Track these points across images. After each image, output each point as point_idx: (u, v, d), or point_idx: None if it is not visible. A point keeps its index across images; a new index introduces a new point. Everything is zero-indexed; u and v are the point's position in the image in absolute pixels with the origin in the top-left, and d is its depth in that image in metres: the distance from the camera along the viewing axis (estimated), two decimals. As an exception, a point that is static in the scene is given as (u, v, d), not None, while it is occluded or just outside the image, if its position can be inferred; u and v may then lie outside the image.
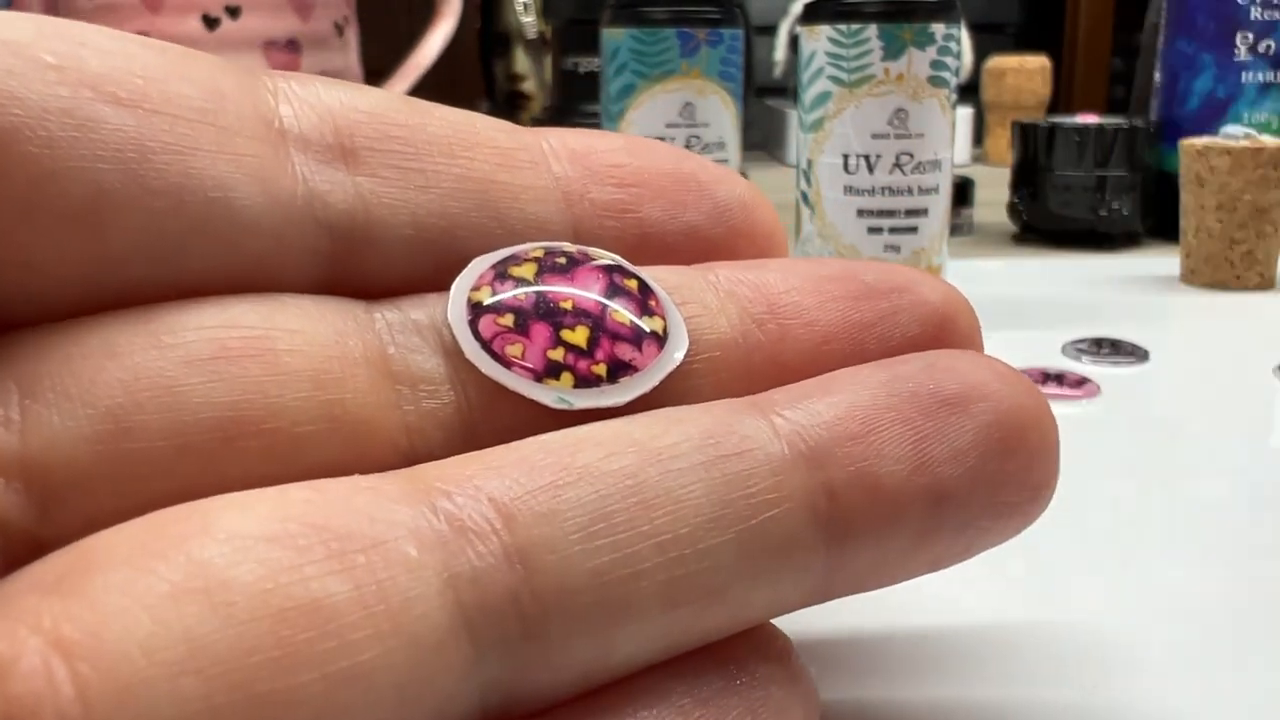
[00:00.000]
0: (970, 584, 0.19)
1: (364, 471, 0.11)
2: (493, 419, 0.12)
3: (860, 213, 0.37)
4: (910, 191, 0.37)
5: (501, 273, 0.13)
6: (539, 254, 0.13)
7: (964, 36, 0.57)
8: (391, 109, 0.13)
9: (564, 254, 0.13)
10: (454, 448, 0.12)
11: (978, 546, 0.13)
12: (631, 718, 0.11)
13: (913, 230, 0.38)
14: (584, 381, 0.12)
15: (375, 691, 0.09)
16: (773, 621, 0.13)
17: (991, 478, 0.13)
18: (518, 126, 0.15)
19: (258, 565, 0.09)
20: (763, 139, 0.98)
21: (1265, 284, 0.44)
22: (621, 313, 0.13)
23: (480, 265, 0.13)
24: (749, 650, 0.12)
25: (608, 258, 0.14)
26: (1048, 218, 0.54)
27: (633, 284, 0.13)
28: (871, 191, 0.37)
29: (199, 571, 0.09)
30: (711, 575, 0.11)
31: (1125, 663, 0.17)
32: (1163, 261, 0.49)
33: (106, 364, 0.11)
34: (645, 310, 0.13)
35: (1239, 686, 0.17)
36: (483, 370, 0.12)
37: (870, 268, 0.15)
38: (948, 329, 0.14)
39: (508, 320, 0.13)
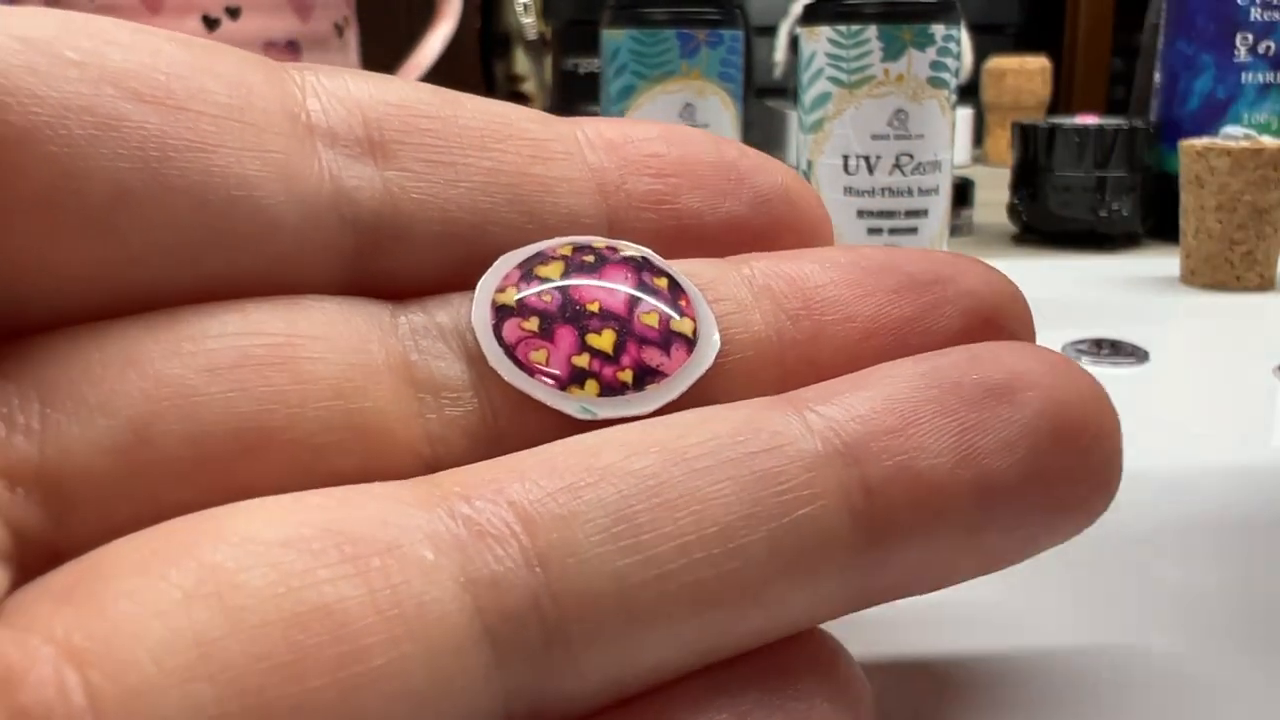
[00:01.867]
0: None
1: (386, 478, 0.11)
2: (517, 426, 0.12)
3: (860, 213, 0.37)
4: (910, 192, 0.37)
5: (527, 272, 0.13)
6: (567, 251, 0.13)
7: (964, 37, 0.57)
8: (421, 101, 0.13)
9: (592, 251, 0.13)
10: (478, 455, 0.12)
11: (1034, 547, 0.13)
12: None
13: (913, 231, 0.38)
14: (609, 389, 0.12)
15: (390, 697, 0.09)
16: (825, 628, 0.12)
17: (1044, 471, 0.12)
18: (551, 116, 0.14)
19: (270, 570, 0.09)
20: (763, 140, 0.98)
21: (1265, 285, 0.44)
22: (650, 314, 0.13)
23: (506, 264, 0.13)
24: (793, 657, 0.12)
25: (636, 251, 0.13)
26: (1048, 218, 0.54)
27: (662, 282, 0.13)
28: (871, 192, 0.37)
29: (210, 577, 0.09)
30: (743, 576, 0.11)
31: (1124, 662, 0.17)
32: (1163, 262, 0.49)
33: (127, 372, 0.11)
34: (675, 310, 0.13)
35: (1239, 687, 0.17)
36: (505, 378, 0.12)
37: (913, 256, 0.14)
38: (995, 321, 0.14)
39: (532, 324, 0.12)
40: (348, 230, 0.12)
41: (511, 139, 0.13)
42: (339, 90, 0.13)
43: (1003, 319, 0.14)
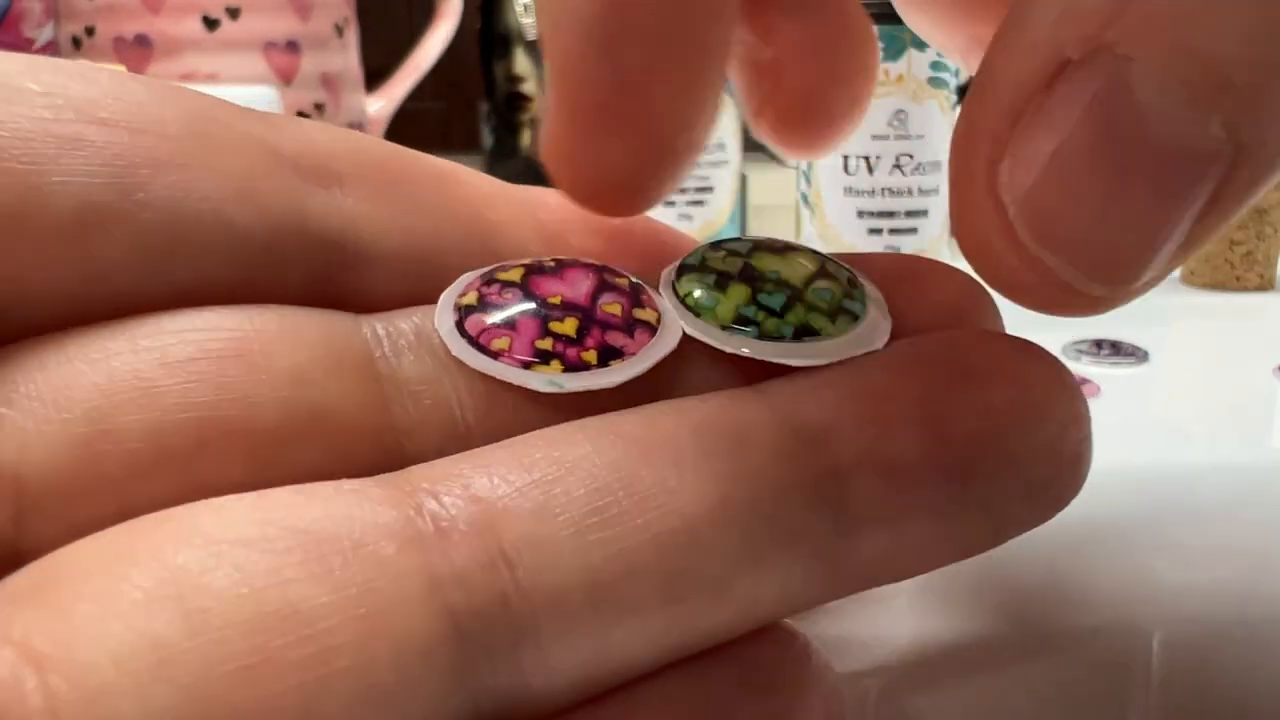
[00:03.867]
0: (965, 582, 0.19)
1: (352, 475, 0.11)
2: (486, 419, 0.12)
3: (860, 214, 0.37)
4: (910, 193, 0.37)
5: (489, 279, 0.13)
6: (527, 260, 0.13)
7: (964, 37, 0.57)
8: (380, 150, 0.14)
9: (553, 259, 0.13)
10: (446, 450, 0.12)
11: (1008, 530, 0.12)
12: None
13: (913, 231, 0.38)
14: (574, 367, 0.12)
15: (356, 700, 0.09)
16: (793, 621, 0.12)
17: (1018, 454, 0.12)
18: (503, 182, 0.15)
19: (233, 570, 0.09)
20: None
21: (1265, 285, 0.44)
22: (612, 305, 0.13)
23: (468, 277, 0.13)
24: (765, 649, 0.12)
25: (598, 264, 0.14)
26: (1048, 218, 0.54)
27: (623, 281, 0.13)
28: (871, 193, 0.37)
29: (172, 578, 0.09)
30: (713, 568, 0.11)
31: (1124, 662, 0.17)
32: (1163, 262, 0.49)
33: (83, 369, 0.11)
34: (636, 304, 0.13)
35: (1240, 686, 0.17)
36: (469, 364, 0.12)
37: (878, 261, 0.14)
38: (964, 320, 0.14)
39: (495, 317, 0.12)
40: (314, 248, 0.13)
41: (466, 186, 0.14)
42: (298, 133, 0.13)
43: (971, 318, 0.14)
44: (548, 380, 0.12)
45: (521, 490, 0.11)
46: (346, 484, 0.11)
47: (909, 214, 0.37)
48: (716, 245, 0.14)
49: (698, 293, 0.13)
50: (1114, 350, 0.35)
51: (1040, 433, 0.12)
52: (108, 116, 0.11)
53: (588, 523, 0.10)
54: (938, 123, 0.37)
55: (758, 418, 0.12)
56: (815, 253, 0.14)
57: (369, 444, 0.12)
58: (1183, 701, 0.16)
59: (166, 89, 0.12)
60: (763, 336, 0.13)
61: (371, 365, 0.12)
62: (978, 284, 0.14)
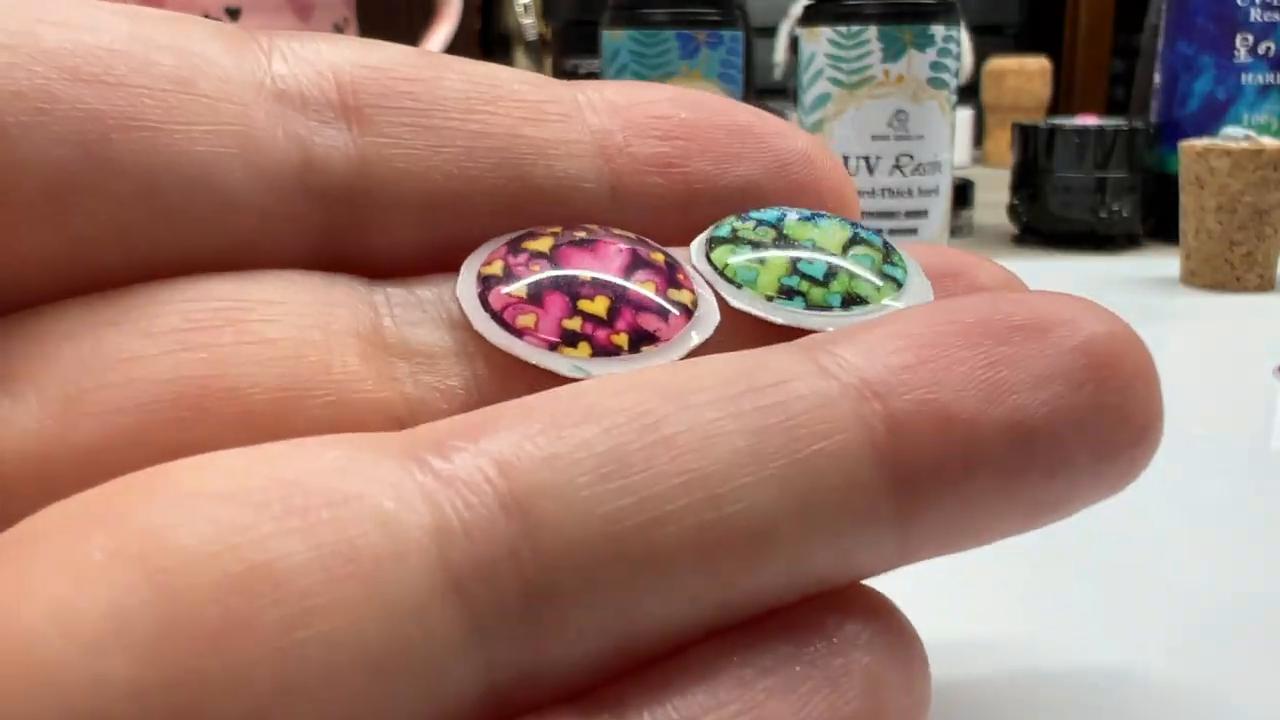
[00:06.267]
0: (962, 581, 0.19)
1: None
2: (503, 391, 0.11)
3: (860, 214, 0.38)
4: (910, 193, 0.37)
5: (515, 247, 0.12)
6: (557, 229, 0.12)
7: (964, 38, 0.57)
8: (403, 64, 0.12)
9: (584, 229, 0.13)
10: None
11: (1079, 497, 0.11)
12: (678, 692, 0.09)
13: (913, 232, 0.38)
14: (602, 351, 0.11)
15: (340, 667, 0.08)
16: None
17: (1083, 410, 0.11)
18: (549, 78, 0.13)
19: (206, 526, 0.08)
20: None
21: (1265, 285, 0.44)
22: (647, 283, 0.12)
23: (493, 244, 0.12)
24: (828, 609, 0.10)
25: (631, 234, 0.13)
26: (1048, 219, 0.54)
27: (659, 257, 0.12)
28: (871, 193, 0.37)
29: (137, 537, 0.08)
30: (752, 518, 0.09)
31: (1124, 662, 0.17)
32: (1163, 263, 0.49)
33: (62, 345, 0.10)
34: (672, 283, 0.12)
35: (1240, 686, 0.17)
36: (491, 341, 0.11)
37: (915, 252, 0.13)
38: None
39: (520, 291, 0.12)
40: (316, 206, 0.12)
41: (501, 100, 0.12)
42: (310, 54, 0.12)
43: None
44: (572, 365, 0.11)
45: (532, 437, 0.09)
46: (343, 438, 0.10)
47: (909, 214, 0.37)
48: (744, 216, 0.13)
49: (736, 262, 0.12)
50: (1114, 351, 0.35)
51: (1107, 389, 0.11)
52: (84, 70, 0.10)
53: (606, 469, 0.09)
54: (937, 123, 0.37)
55: (798, 365, 0.10)
56: (845, 220, 0.13)
57: (374, 415, 0.11)
58: (1181, 701, 0.16)
59: (156, 25, 0.11)
60: (810, 307, 0.12)
61: (380, 334, 0.11)
62: (1019, 280, 0.13)
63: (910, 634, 0.11)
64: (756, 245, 0.13)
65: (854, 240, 0.13)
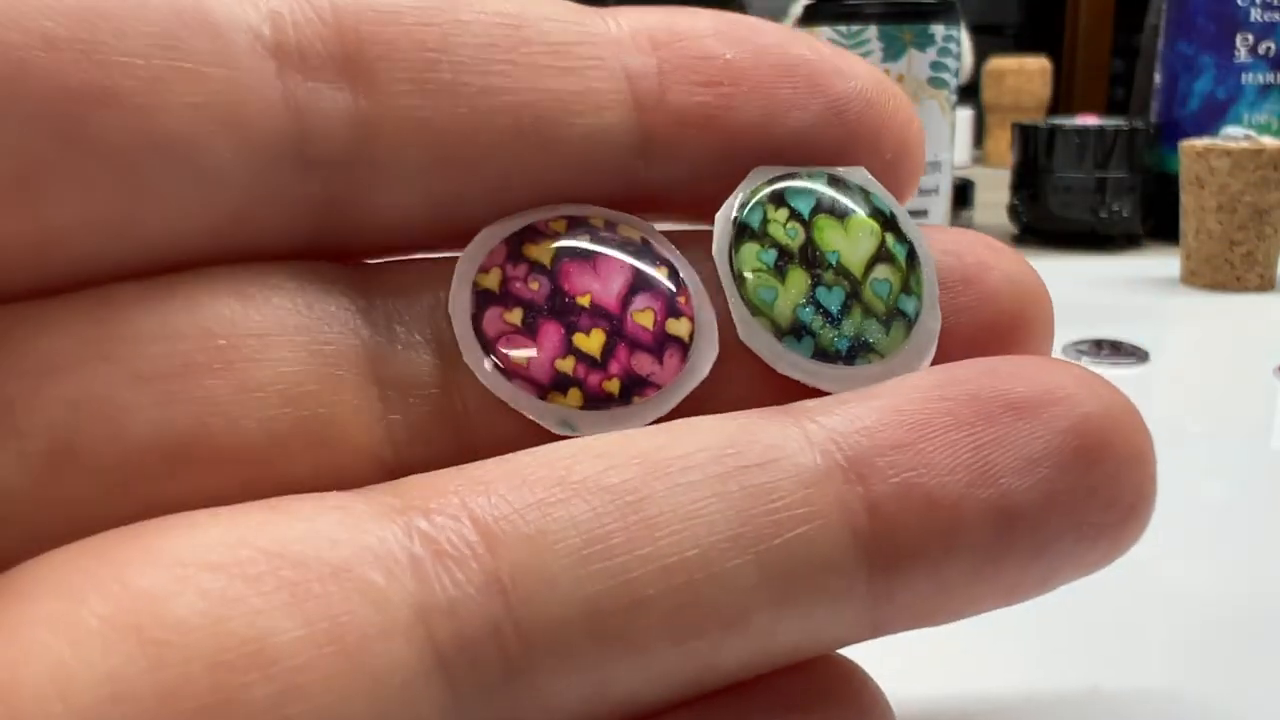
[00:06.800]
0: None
1: (342, 489, 0.10)
2: (490, 427, 0.11)
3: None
4: (910, 192, 0.38)
5: (515, 252, 0.12)
6: (560, 227, 0.12)
7: (964, 38, 0.57)
8: (416, 5, 0.11)
9: (588, 231, 0.12)
10: (446, 457, 0.11)
11: (1057, 579, 0.11)
12: None
13: (913, 231, 0.38)
14: (593, 400, 0.11)
15: None
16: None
17: (1070, 492, 0.11)
18: (583, 8, 0.12)
19: (198, 598, 0.08)
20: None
21: (1265, 285, 0.44)
22: (644, 313, 0.12)
23: (491, 239, 0.12)
24: (800, 685, 0.11)
25: (637, 231, 0.12)
26: (1048, 219, 0.54)
27: (663, 271, 0.12)
28: (872, 192, 0.37)
29: (132, 605, 0.08)
30: (727, 603, 0.10)
31: (1124, 662, 0.17)
32: (1163, 263, 0.49)
33: (44, 382, 0.10)
34: (672, 310, 0.12)
35: (1240, 686, 0.17)
36: (482, 380, 0.11)
37: (937, 237, 0.13)
38: (1017, 328, 0.12)
39: (515, 317, 0.11)
40: (314, 176, 0.11)
41: (524, 46, 0.11)
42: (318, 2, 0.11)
43: (1026, 325, 0.12)
44: (561, 420, 0.11)
45: (520, 512, 0.10)
46: (332, 498, 0.10)
47: (909, 214, 0.38)
48: (778, 197, 0.12)
49: (754, 278, 0.12)
50: (1114, 350, 0.35)
51: (1096, 471, 0.11)
52: (61, 34, 0.10)
53: (590, 550, 0.09)
54: (938, 123, 0.37)
55: (785, 440, 0.10)
56: (880, 211, 0.13)
57: (363, 454, 0.11)
58: (1181, 701, 0.16)
59: None
60: (817, 353, 0.12)
61: (371, 364, 0.11)
62: (1036, 277, 0.13)
63: (879, 701, 0.11)
64: (782, 251, 0.12)
65: (879, 255, 0.12)
